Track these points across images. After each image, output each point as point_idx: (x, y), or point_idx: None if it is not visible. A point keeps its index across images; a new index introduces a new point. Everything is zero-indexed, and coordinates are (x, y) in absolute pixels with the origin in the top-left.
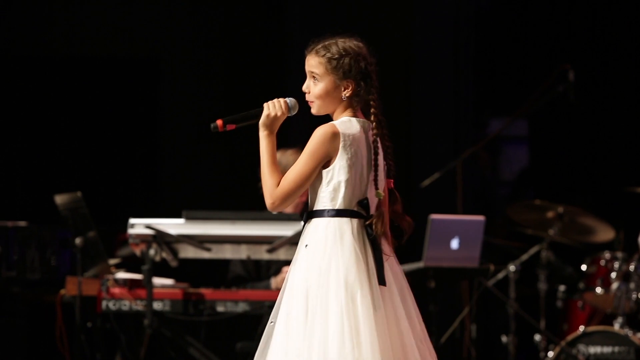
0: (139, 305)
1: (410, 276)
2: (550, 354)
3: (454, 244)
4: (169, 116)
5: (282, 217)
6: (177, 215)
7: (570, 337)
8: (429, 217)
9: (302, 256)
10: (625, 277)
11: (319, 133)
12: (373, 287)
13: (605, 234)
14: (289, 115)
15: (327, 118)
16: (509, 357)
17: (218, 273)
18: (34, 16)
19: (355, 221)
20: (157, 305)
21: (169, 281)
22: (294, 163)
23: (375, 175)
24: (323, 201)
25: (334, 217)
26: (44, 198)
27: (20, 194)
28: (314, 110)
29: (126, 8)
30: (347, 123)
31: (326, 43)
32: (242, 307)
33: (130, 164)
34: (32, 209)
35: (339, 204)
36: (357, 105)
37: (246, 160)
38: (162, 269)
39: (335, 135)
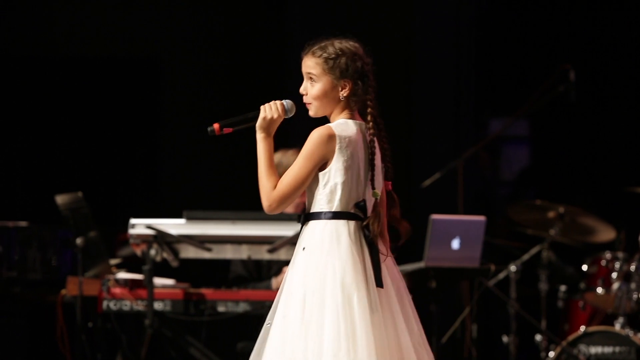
0: (139, 306)
1: (411, 276)
2: (551, 354)
3: (455, 244)
4: (170, 116)
5: (282, 217)
6: (177, 215)
7: (571, 337)
8: (429, 217)
9: (299, 259)
10: (626, 277)
11: (315, 135)
12: (370, 289)
13: (606, 234)
14: (286, 117)
15: (326, 119)
16: (510, 357)
17: (219, 273)
18: (34, 16)
19: (352, 223)
20: (158, 306)
21: (169, 281)
22: None
23: (372, 175)
24: (320, 203)
25: (331, 220)
26: (44, 198)
27: (21, 194)
28: (311, 113)
29: (126, 8)
30: (343, 125)
31: (322, 44)
32: (242, 307)
33: (131, 164)
34: (33, 209)
35: (335, 206)
36: (355, 106)
37: (247, 160)
38: (162, 269)
39: (331, 138)
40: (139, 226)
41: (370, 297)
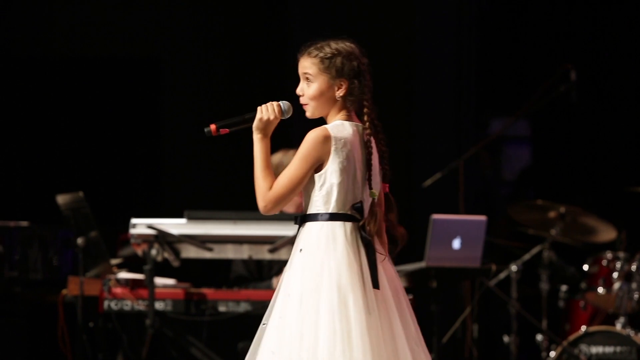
0: (140, 305)
1: (412, 276)
2: (552, 354)
3: (456, 244)
4: (170, 116)
5: (284, 217)
6: (178, 215)
7: (572, 337)
8: (430, 217)
9: (296, 260)
10: (627, 277)
11: (311, 137)
12: (367, 290)
13: (607, 234)
14: (283, 118)
15: (324, 120)
16: (511, 357)
17: (220, 273)
18: (34, 16)
19: (348, 224)
20: (158, 305)
21: (170, 281)
22: None
23: (370, 175)
24: (316, 205)
25: (328, 221)
26: (45, 198)
27: (22, 194)
28: (308, 113)
29: (127, 8)
30: (339, 126)
31: (318, 45)
32: (243, 307)
33: (131, 164)
34: (34, 209)
35: (332, 208)
36: (352, 107)
37: (248, 160)
38: (163, 269)
39: (326, 139)
40: (140, 226)
41: (367, 298)
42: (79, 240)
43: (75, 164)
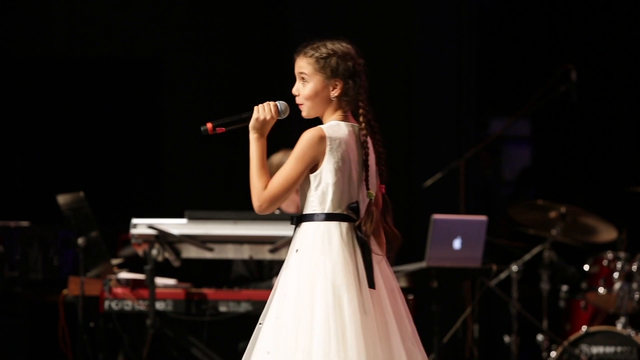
0: (141, 305)
1: (413, 276)
2: (553, 354)
3: (457, 244)
4: (171, 116)
5: (284, 217)
6: (179, 215)
7: (572, 337)
8: (431, 217)
9: (292, 261)
10: (627, 277)
11: (306, 137)
12: (362, 290)
13: (607, 234)
14: (279, 118)
15: (321, 121)
16: (512, 357)
17: (220, 273)
18: (34, 16)
19: (344, 224)
20: (159, 305)
21: (171, 281)
22: None
23: (366, 176)
24: (312, 205)
25: (323, 221)
26: (46, 198)
27: (22, 194)
28: (304, 113)
29: (127, 8)
30: (335, 127)
31: (314, 45)
32: (244, 307)
33: (132, 164)
34: (35, 209)
35: (327, 208)
36: (347, 107)
37: (248, 160)
38: (164, 269)
39: (322, 139)
40: (141, 226)
41: (362, 298)
42: (80, 240)
43: (75, 164)
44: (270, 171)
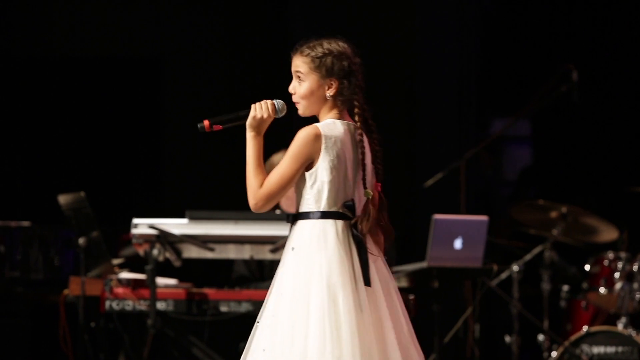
0: (142, 305)
1: (414, 276)
2: (554, 354)
3: (458, 244)
4: (172, 116)
5: (285, 217)
6: (180, 215)
7: (573, 337)
8: (432, 217)
9: (288, 259)
10: (628, 277)
11: (301, 135)
12: (358, 288)
13: (608, 234)
14: (277, 117)
15: (317, 119)
16: (513, 357)
17: (221, 273)
18: (34, 16)
19: (340, 223)
20: (160, 305)
21: (172, 281)
22: None
23: (363, 175)
24: (308, 203)
25: (319, 219)
26: (47, 198)
27: (23, 194)
28: (300, 112)
29: (127, 8)
30: (330, 125)
31: (311, 44)
32: (245, 307)
33: (133, 164)
34: (36, 209)
35: (323, 206)
36: (343, 106)
37: None
38: (165, 269)
39: (317, 137)
40: (142, 226)
41: (358, 296)
42: (81, 240)
43: (76, 164)
44: (271, 170)
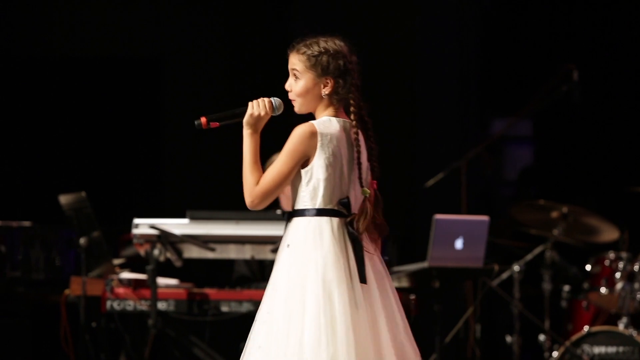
0: (143, 305)
1: (415, 276)
2: (555, 354)
3: (458, 244)
4: (172, 116)
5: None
6: (181, 215)
7: (574, 337)
8: (433, 217)
9: (284, 256)
10: (629, 277)
11: (297, 132)
12: (354, 285)
13: (609, 234)
14: (274, 115)
15: (313, 117)
16: (514, 357)
17: (222, 273)
18: (34, 16)
19: (335, 220)
20: (161, 305)
21: (173, 281)
22: None
23: (359, 173)
24: (304, 200)
25: (315, 217)
26: (48, 198)
27: (24, 194)
28: (296, 109)
29: (127, 8)
30: (326, 122)
31: (307, 42)
32: (246, 307)
33: (134, 164)
34: (37, 209)
35: (319, 203)
36: (338, 104)
37: None
38: (166, 269)
39: (313, 135)
40: (143, 226)
41: (353, 293)
42: (82, 240)
43: (77, 164)
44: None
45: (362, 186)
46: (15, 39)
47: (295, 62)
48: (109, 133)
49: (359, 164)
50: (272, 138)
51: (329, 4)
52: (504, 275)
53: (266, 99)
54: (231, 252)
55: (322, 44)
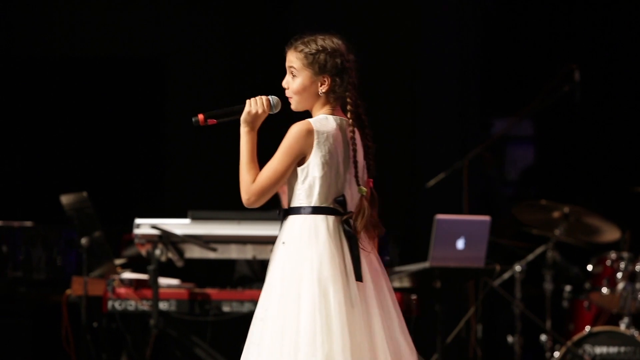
0: (144, 305)
1: (416, 276)
2: (556, 354)
3: (460, 244)
4: (173, 116)
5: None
6: (182, 215)
7: (576, 338)
8: (434, 217)
9: (279, 254)
10: (631, 277)
11: (294, 130)
12: (350, 283)
13: (611, 234)
14: (271, 113)
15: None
16: (515, 357)
17: (224, 273)
18: (34, 16)
19: (331, 218)
20: (162, 305)
21: (174, 281)
22: None
23: (356, 172)
24: (299, 198)
25: (310, 214)
26: (49, 198)
27: (25, 194)
28: (293, 107)
29: (129, 8)
30: (323, 120)
31: (305, 40)
32: (247, 307)
33: (135, 164)
34: (38, 209)
35: (314, 201)
36: (335, 102)
37: None
38: (167, 269)
39: (309, 133)
40: (144, 226)
41: (349, 290)
42: (83, 241)
43: (78, 164)
44: None
45: (358, 184)
46: (16, 39)
47: (293, 59)
48: (110, 133)
49: (355, 162)
50: (269, 136)
51: (329, 4)
52: (506, 275)
53: (264, 97)
54: (233, 252)
55: (320, 42)
